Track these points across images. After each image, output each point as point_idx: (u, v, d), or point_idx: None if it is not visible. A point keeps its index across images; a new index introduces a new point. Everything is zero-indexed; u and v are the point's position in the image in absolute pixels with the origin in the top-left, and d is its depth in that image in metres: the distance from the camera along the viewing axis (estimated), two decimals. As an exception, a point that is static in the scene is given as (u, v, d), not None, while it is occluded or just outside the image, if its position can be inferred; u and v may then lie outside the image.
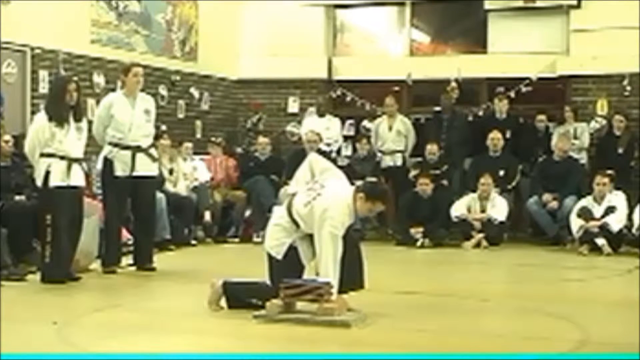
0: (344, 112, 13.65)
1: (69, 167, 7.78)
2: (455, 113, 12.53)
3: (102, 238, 8.69)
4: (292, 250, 6.23)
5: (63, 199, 7.74)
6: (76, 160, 7.88)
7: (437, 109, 12.71)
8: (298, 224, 6.19)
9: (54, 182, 7.73)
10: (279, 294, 5.99)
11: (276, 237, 6.28)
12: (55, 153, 7.74)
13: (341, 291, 6.08)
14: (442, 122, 12.45)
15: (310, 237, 6.15)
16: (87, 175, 8.59)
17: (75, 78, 8.50)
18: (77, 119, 7.91)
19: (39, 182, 7.83)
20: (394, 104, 12.57)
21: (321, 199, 6.10)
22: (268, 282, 6.26)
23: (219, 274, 6.65)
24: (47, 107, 8.00)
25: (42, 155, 7.76)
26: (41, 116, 7.91)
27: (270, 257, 6.28)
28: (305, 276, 6.21)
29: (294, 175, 6.69)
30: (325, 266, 5.97)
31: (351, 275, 6.16)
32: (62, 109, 7.82)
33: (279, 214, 6.40)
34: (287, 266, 6.18)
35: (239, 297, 6.37)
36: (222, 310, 6.35)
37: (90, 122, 8.71)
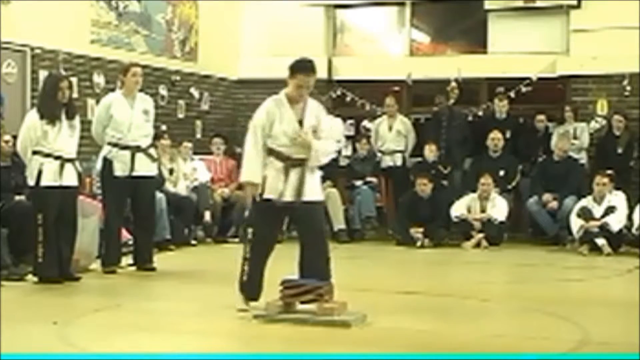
0: (344, 112, 13.58)
1: (61, 167, 7.77)
2: (453, 113, 12.52)
3: (102, 238, 8.68)
4: None
5: (53, 198, 7.72)
6: (69, 160, 7.86)
7: (437, 109, 12.71)
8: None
9: (44, 181, 7.72)
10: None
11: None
12: (48, 152, 7.73)
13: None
14: (441, 122, 12.45)
15: None
16: (83, 176, 8.55)
17: (73, 79, 8.47)
18: (70, 117, 7.88)
19: (31, 181, 7.83)
20: (394, 104, 12.56)
21: None
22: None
23: (219, 274, 6.64)
24: (38, 105, 7.99)
25: (35, 153, 7.76)
26: (32, 114, 7.89)
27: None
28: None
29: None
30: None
31: (316, 269, 6.18)
32: (54, 106, 7.80)
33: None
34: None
35: None
36: (222, 311, 6.35)
37: (86, 122, 8.70)
